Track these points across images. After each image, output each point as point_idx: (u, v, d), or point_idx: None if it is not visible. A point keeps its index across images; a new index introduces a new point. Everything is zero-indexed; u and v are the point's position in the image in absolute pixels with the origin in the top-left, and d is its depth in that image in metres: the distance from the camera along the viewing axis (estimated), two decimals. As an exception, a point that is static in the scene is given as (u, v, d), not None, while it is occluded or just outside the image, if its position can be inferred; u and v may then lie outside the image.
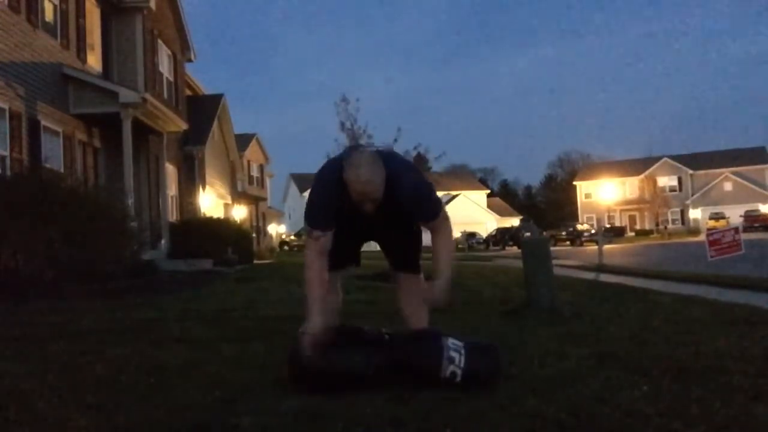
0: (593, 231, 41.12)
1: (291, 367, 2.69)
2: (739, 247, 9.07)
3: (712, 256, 9.22)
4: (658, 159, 59.58)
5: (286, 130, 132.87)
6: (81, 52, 12.22)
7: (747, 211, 46.39)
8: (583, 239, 38.78)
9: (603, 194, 57.49)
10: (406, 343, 2.71)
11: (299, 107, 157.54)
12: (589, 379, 2.69)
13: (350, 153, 2.71)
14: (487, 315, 4.98)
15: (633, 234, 51.87)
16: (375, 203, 2.64)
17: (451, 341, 2.66)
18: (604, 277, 8.73)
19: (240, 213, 25.95)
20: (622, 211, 59.51)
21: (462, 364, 2.60)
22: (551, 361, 3.06)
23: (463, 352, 2.63)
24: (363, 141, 11.80)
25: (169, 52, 16.60)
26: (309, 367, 2.64)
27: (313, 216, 2.79)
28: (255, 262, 18.95)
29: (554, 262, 5.75)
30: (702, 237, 16.58)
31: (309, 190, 2.92)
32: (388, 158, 2.70)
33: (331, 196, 2.70)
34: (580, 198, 63.28)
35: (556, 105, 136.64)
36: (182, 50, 17.81)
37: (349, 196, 2.62)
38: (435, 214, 2.79)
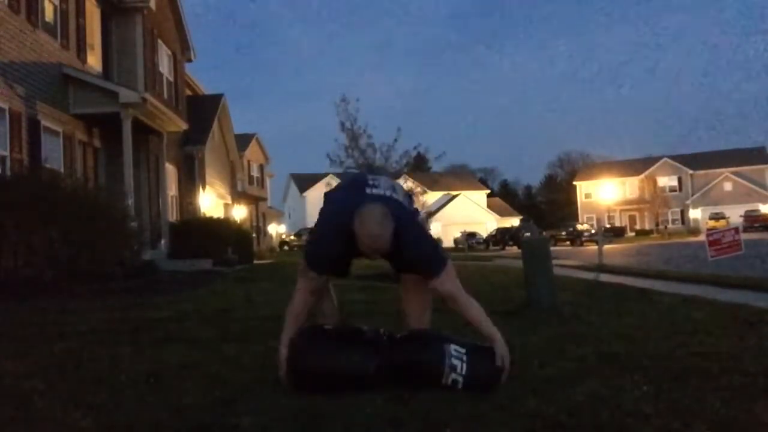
0: (593, 231, 41.12)
1: (289, 371, 2.68)
2: (739, 247, 9.07)
3: (712, 256, 9.23)
4: (658, 159, 59.61)
5: (286, 130, 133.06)
6: (81, 52, 12.22)
7: (747, 211, 46.39)
8: (583, 239, 38.79)
9: (603, 194, 57.51)
10: (406, 348, 2.69)
11: (299, 107, 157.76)
12: (589, 379, 2.69)
13: (362, 206, 2.66)
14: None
15: (633, 234, 51.88)
16: (381, 253, 2.71)
17: (453, 348, 2.64)
18: (604, 277, 8.72)
19: (240, 213, 25.95)
20: (622, 211, 59.52)
21: (464, 372, 2.58)
22: (551, 361, 3.06)
23: (465, 359, 2.61)
24: (363, 141, 11.83)
25: (169, 52, 16.60)
26: (308, 368, 2.64)
27: (313, 259, 2.82)
28: (255, 262, 18.95)
29: (554, 262, 5.74)
30: (702, 237, 16.58)
31: (314, 224, 2.93)
32: (395, 211, 2.70)
33: (335, 247, 2.75)
34: (580, 198, 63.29)
35: (556, 105, 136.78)
36: (182, 50, 17.82)
37: (355, 244, 2.67)
38: (437, 271, 2.75)
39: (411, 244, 2.74)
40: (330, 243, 2.78)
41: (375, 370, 2.60)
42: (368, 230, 2.61)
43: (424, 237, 2.89)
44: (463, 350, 2.65)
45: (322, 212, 2.91)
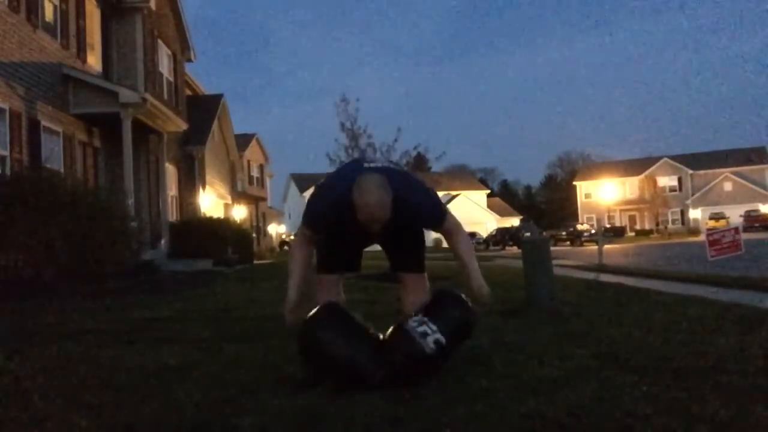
0: (593, 231, 41.10)
1: (302, 337, 2.72)
2: (740, 247, 9.07)
3: (712, 256, 9.23)
4: (658, 159, 59.60)
5: (286, 130, 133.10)
6: (81, 52, 12.22)
7: (747, 211, 46.40)
8: (583, 239, 38.75)
9: (603, 194, 57.48)
10: (386, 355, 2.69)
11: (299, 107, 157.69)
12: (589, 379, 2.69)
13: (359, 176, 2.69)
14: (487, 315, 4.97)
15: (633, 234, 51.87)
16: (381, 224, 2.69)
17: (411, 321, 2.69)
18: (604, 277, 8.72)
19: (240, 213, 25.95)
20: (622, 211, 59.51)
21: (435, 328, 2.64)
22: (551, 361, 3.06)
23: (425, 319, 2.67)
24: (363, 141, 11.82)
25: (169, 52, 16.59)
26: (319, 341, 2.65)
27: (310, 220, 2.87)
28: (255, 262, 18.97)
29: (554, 262, 5.74)
30: (702, 237, 16.58)
31: (312, 191, 2.96)
32: (393, 179, 2.72)
33: (333, 209, 2.76)
34: (580, 198, 63.28)
35: (556, 105, 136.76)
36: (182, 50, 17.81)
37: (355, 217, 2.66)
38: (440, 221, 2.86)
39: (413, 208, 2.77)
40: (328, 204, 2.80)
41: (378, 377, 2.60)
42: (366, 200, 2.60)
43: (426, 196, 2.91)
44: (419, 315, 2.70)
45: (321, 185, 2.96)
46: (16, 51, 9.91)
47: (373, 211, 2.61)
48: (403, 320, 2.78)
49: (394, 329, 2.78)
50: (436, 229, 2.88)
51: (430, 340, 2.62)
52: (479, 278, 2.79)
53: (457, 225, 2.93)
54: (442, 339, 2.62)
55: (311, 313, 2.75)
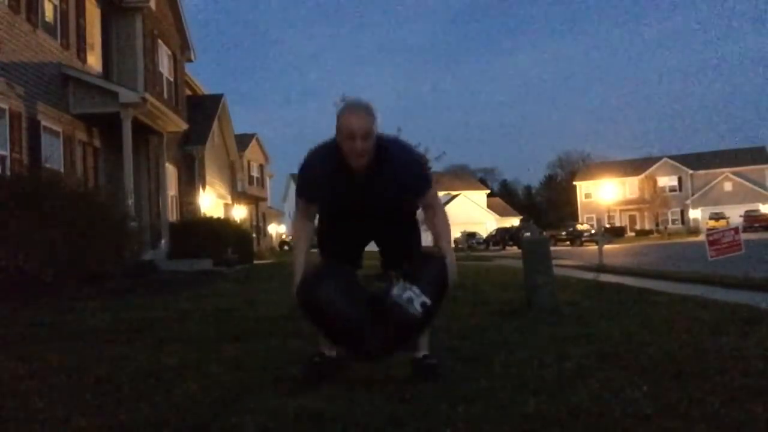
0: (593, 231, 41.10)
1: (302, 290, 2.75)
2: (740, 247, 9.05)
3: (712, 256, 9.22)
4: (658, 159, 59.59)
5: (286, 130, 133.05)
6: (81, 52, 12.22)
7: (747, 211, 46.37)
8: (583, 239, 38.76)
9: (603, 194, 57.48)
10: (376, 322, 2.72)
11: (299, 107, 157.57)
12: (589, 379, 2.69)
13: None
14: (487, 315, 4.98)
15: (633, 234, 51.85)
16: (366, 147, 2.62)
17: (394, 290, 2.70)
18: (604, 277, 8.72)
19: (240, 213, 25.96)
20: (622, 211, 59.50)
21: (418, 292, 2.66)
22: (551, 361, 3.06)
23: (408, 285, 2.69)
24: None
25: (169, 52, 16.60)
26: (319, 297, 2.69)
27: (302, 183, 2.89)
28: (255, 262, 18.96)
29: (554, 262, 5.74)
30: (702, 237, 16.58)
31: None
32: (385, 136, 2.79)
33: (323, 167, 2.76)
34: (580, 198, 63.26)
35: (556, 105, 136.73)
36: (182, 50, 17.82)
37: (340, 166, 2.67)
38: (425, 187, 2.87)
39: (398, 151, 2.77)
40: (318, 162, 2.78)
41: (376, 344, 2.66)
42: (350, 107, 2.66)
43: (412, 148, 2.95)
44: (401, 281, 2.72)
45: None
46: (15, 51, 9.91)
47: (357, 121, 2.59)
48: (386, 287, 2.77)
49: (379, 302, 2.79)
50: (420, 198, 2.88)
51: (417, 303, 2.66)
52: (451, 254, 2.84)
53: (440, 203, 2.99)
54: (428, 300, 2.67)
55: (313, 270, 2.79)
